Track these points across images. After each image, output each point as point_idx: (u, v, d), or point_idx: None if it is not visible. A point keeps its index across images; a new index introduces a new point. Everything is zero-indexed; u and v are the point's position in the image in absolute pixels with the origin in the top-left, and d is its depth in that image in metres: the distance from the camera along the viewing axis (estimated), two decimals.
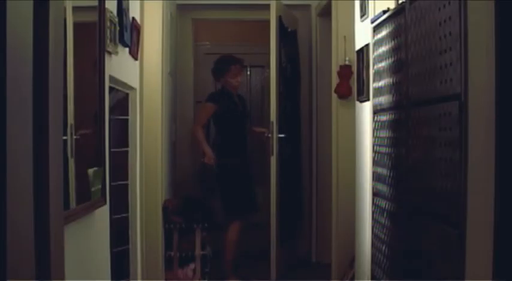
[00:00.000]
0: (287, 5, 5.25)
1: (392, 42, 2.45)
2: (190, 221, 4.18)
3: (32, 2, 0.85)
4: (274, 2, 4.52)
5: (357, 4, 3.32)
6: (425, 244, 2.00)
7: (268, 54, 4.44)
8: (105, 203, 2.18)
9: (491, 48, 1.52)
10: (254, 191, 4.65)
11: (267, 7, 4.67)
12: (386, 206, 2.55)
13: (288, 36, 4.91)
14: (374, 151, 2.80)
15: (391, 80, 2.49)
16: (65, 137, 1.62)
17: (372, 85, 2.88)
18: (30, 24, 0.84)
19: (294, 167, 5.14)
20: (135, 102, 3.23)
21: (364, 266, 3.06)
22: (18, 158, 0.80)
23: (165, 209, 3.94)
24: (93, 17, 2.04)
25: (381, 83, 2.67)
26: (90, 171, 1.98)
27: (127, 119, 3.21)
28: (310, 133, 5.27)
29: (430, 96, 1.96)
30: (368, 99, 3.03)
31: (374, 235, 2.78)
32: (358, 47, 3.34)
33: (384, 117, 2.61)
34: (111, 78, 2.46)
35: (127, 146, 3.20)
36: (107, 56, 2.23)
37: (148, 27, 3.52)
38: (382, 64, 2.64)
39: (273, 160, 4.40)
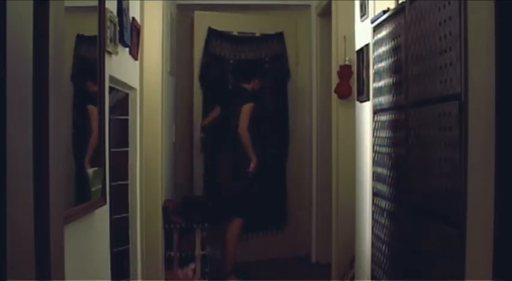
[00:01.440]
0: (287, 5, 5.27)
1: (392, 42, 2.45)
2: (190, 221, 4.18)
3: (32, 2, 0.85)
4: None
5: (357, 4, 3.32)
6: (425, 244, 2.00)
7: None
8: (105, 203, 2.18)
9: (491, 48, 1.52)
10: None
11: (265, 7, 4.69)
12: (387, 206, 2.55)
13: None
14: (374, 151, 2.80)
15: (391, 80, 2.49)
16: None
17: (372, 85, 2.88)
18: (30, 24, 0.84)
19: (277, 167, 5.29)
20: (135, 102, 3.23)
21: (364, 266, 3.06)
22: (18, 158, 0.80)
23: (165, 209, 3.94)
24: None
25: (381, 83, 2.67)
26: (90, 171, 1.98)
27: (127, 119, 3.21)
28: (310, 133, 5.27)
29: (430, 96, 1.96)
30: (368, 99, 3.03)
31: (374, 235, 2.78)
32: (358, 47, 3.34)
33: (384, 117, 2.61)
34: (111, 78, 2.46)
35: (127, 146, 3.20)
36: (107, 56, 2.23)
37: (148, 27, 3.52)
38: (382, 64, 2.64)
39: None
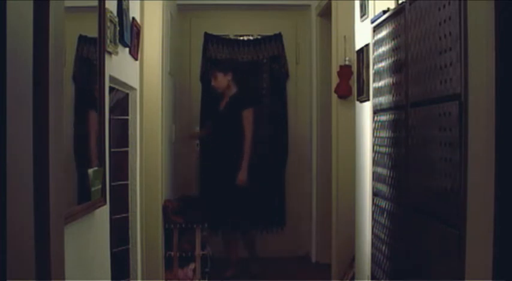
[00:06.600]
0: (287, 5, 5.28)
1: (392, 42, 2.45)
2: (190, 221, 4.17)
3: (32, 2, 0.85)
4: None
5: (357, 4, 3.32)
6: (425, 244, 2.00)
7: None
8: (105, 203, 2.18)
9: (491, 48, 1.51)
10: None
11: (265, 7, 4.66)
12: (386, 206, 2.54)
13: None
14: (374, 151, 2.80)
15: (391, 80, 2.49)
16: None
17: (372, 85, 2.88)
18: (30, 24, 0.84)
19: (277, 167, 5.35)
20: (135, 102, 3.23)
21: (364, 266, 3.06)
22: (18, 158, 0.80)
23: (165, 209, 3.94)
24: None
25: (381, 83, 2.67)
26: (90, 171, 1.98)
27: (127, 119, 3.21)
28: (310, 133, 5.27)
29: (430, 96, 1.96)
30: (368, 99, 3.03)
31: (374, 235, 2.78)
32: (358, 47, 3.34)
33: (384, 117, 2.61)
34: (111, 78, 2.46)
35: (127, 146, 3.20)
36: (107, 56, 2.23)
37: (148, 27, 3.52)
38: (382, 64, 2.64)
39: None
